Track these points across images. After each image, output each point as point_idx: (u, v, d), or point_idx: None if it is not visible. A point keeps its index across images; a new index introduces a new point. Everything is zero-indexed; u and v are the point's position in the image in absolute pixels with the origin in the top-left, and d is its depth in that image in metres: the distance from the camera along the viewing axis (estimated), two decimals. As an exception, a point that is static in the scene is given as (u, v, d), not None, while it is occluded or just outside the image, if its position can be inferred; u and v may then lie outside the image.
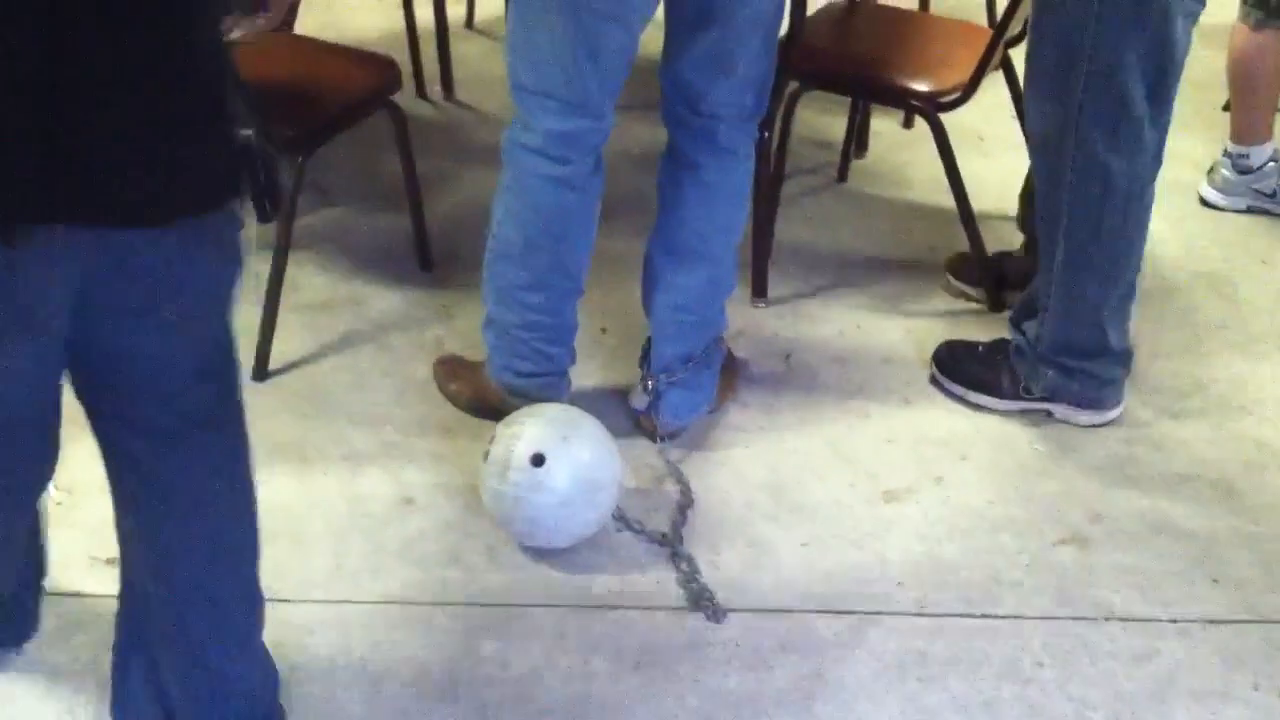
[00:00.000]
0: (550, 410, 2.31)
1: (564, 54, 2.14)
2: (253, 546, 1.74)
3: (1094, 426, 2.60)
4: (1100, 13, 2.20)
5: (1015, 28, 2.91)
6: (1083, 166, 2.34)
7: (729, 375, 2.65)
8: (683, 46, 2.24)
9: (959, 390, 2.66)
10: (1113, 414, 2.63)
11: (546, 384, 2.43)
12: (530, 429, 2.23)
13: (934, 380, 2.70)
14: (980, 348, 2.69)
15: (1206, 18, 2.33)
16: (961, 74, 2.83)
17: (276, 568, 2.21)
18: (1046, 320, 2.52)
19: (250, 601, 1.77)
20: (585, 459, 2.23)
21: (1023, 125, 3.18)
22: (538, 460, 2.19)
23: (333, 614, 2.15)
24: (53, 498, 2.37)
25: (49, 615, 2.10)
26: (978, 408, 2.65)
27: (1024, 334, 2.59)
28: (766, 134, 2.75)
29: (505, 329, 2.41)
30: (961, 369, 2.67)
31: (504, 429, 2.25)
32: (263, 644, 1.81)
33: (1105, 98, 2.27)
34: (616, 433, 2.53)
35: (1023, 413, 2.64)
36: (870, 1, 3.54)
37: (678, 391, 2.50)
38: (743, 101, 2.31)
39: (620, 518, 2.34)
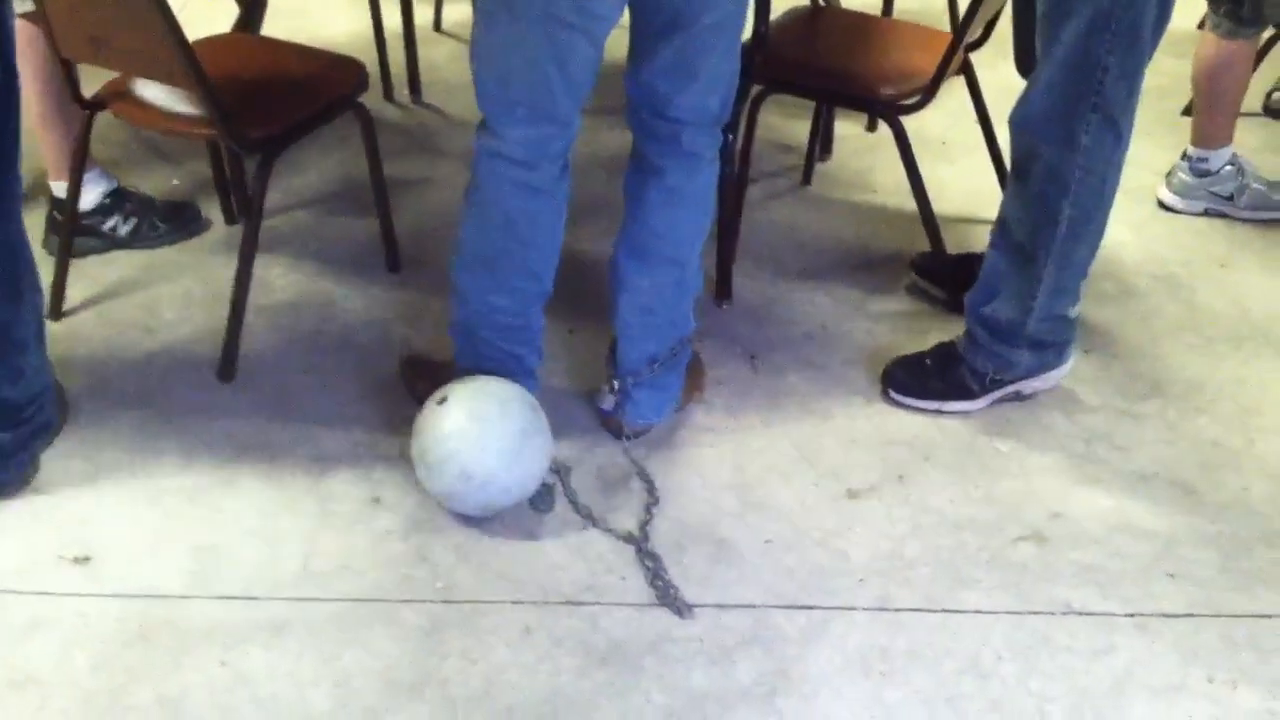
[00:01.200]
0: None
1: (530, 64, 2.15)
2: None
3: (1059, 419, 2.65)
4: None
5: (975, 32, 2.96)
6: (1098, 127, 2.37)
7: (694, 376, 2.68)
8: (648, 53, 2.26)
9: (933, 405, 2.69)
10: (1068, 367, 2.71)
11: (513, 384, 2.45)
12: (437, 393, 2.34)
13: (895, 402, 2.71)
14: (927, 360, 2.72)
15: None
16: (922, 78, 2.86)
17: (246, 566, 2.24)
18: (1039, 295, 2.54)
19: None
20: (485, 382, 2.35)
21: (984, 126, 3.25)
22: (442, 400, 2.27)
23: (302, 612, 2.16)
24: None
25: (16, 613, 2.11)
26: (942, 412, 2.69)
27: (982, 322, 2.62)
28: (731, 137, 2.78)
29: (472, 330, 2.42)
30: (924, 385, 2.70)
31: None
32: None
33: (1129, 55, 2.31)
34: (583, 431, 2.57)
35: (990, 408, 2.69)
36: (833, 6, 3.58)
37: (644, 392, 2.52)
38: (707, 106, 2.33)
39: (587, 515, 2.37)
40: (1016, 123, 2.47)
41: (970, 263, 2.99)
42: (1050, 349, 2.65)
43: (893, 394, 2.71)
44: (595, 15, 2.12)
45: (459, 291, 2.42)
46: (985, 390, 2.67)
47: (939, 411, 2.68)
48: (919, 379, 2.71)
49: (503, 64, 2.19)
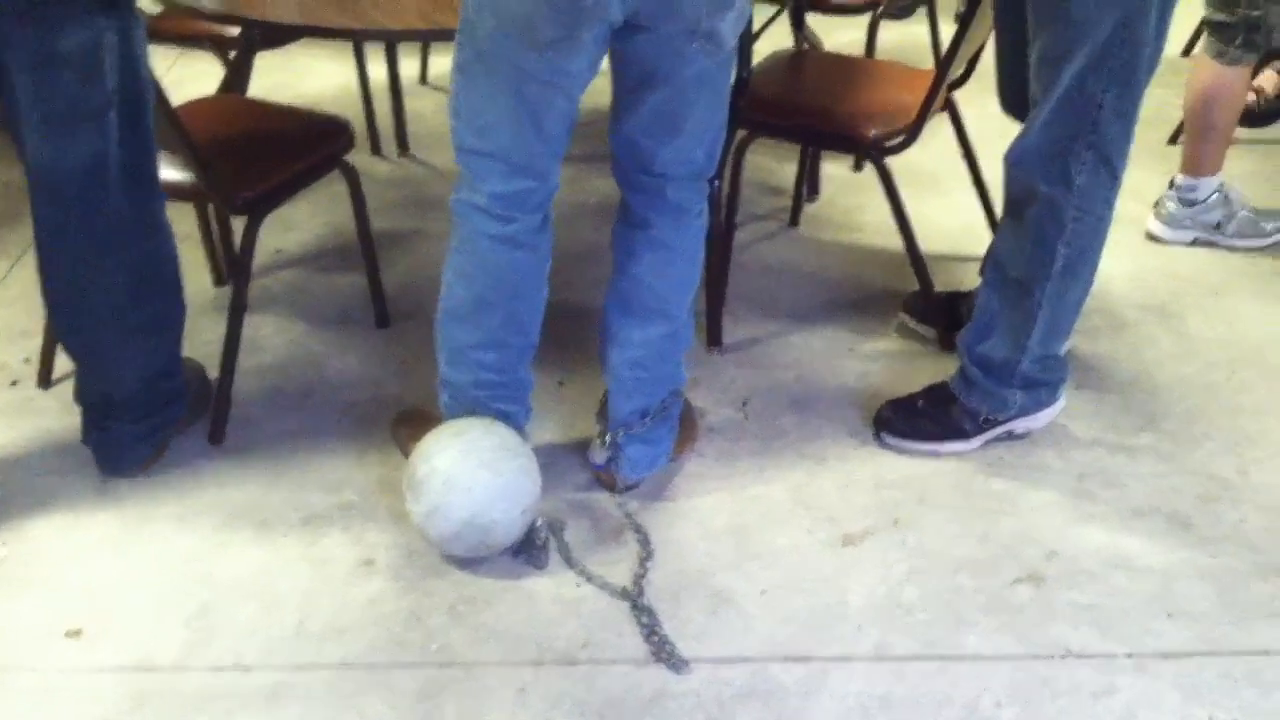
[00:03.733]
0: None
1: (507, 120, 2.16)
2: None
3: (1050, 456, 2.64)
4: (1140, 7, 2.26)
5: (958, 70, 2.96)
6: (1093, 164, 2.37)
7: (687, 426, 2.67)
8: (629, 109, 2.26)
9: (928, 448, 2.68)
10: (1061, 404, 2.71)
11: (504, 440, 2.44)
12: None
13: (887, 445, 2.71)
14: (920, 401, 2.72)
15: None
16: (906, 118, 2.87)
17: (240, 632, 2.23)
18: (1034, 334, 2.54)
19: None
20: (465, 421, 2.38)
21: (970, 163, 3.25)
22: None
23: (296, 679, 2.14)
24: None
25: (11, 691, 2.10)
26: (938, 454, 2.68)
27: (977, 361, 2.62)
28: (717, 182, 2.78)
29: (460, 389, 2.42)
30: (917, 427, 2.69)
31: None
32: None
33: (1124, 92, 2.31)
34: (575, 486, 2.56)
35: (984, 447, 2.68)
36: (816, 49, 3.59)
37: (636, 445, 2.52)
38: (692, 160, 2.33)
39: (581, 570, 2.36)
40: (1012, 161, 2.46)
41: (958, 301, 3.00)
42: (1043, 388, 2.64)
43: (886, 438, 2.70)
44: (569, 73, 2.12)
45: (444, 350, 2.42)
46: (979, 430, 2.67)
47: (934, 454, 2.68)
48: (912, 421, 2.70)
49: (479, 119, 2.20)
